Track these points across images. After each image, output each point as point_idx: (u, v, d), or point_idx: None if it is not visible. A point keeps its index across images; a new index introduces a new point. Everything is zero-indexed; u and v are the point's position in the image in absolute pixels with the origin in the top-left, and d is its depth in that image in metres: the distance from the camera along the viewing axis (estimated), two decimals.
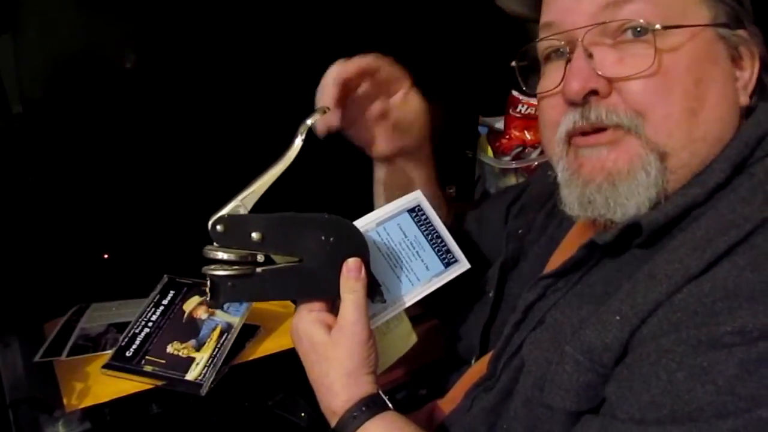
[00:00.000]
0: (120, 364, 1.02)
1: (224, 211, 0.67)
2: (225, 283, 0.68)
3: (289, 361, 0.74)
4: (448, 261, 0.81)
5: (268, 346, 1.07)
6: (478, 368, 0.79)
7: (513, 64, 0.73)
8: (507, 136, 1.47)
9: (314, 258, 0.70)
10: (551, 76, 0.68)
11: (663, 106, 0.63)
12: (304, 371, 0.73)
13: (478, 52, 1.32)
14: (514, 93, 1.45)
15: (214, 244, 0.67)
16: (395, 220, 0.79)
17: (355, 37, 1.20)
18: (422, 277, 0.78)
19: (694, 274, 0.58)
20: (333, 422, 0.68)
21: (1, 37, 0.98)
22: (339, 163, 0.84)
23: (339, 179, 0.87)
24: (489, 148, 1.49)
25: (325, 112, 0.74)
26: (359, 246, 0.71)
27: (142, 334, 1.07)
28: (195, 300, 1.13)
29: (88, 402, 0.97)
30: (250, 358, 1.05)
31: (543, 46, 0.70)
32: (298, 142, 0.72)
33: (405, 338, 0.82)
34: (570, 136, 0.67)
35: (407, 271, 0.78)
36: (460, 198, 1.42)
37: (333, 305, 0.72)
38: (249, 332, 1.07)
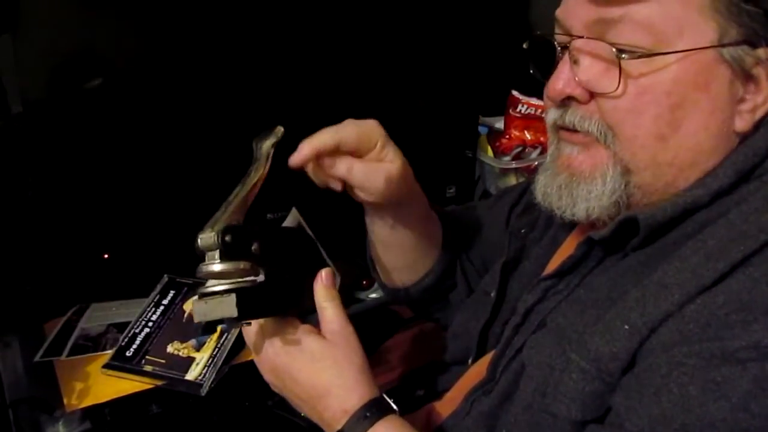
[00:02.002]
0: (120, 363, 1.02)
1: (223, 221, 0.64)
2: (250, 295, 0.64)
3: None
4: None
5: None
6: (476, 370, 0.79)
7: (525, 45, 0.73)
8: (507, 136, 1.47)
9: (290, 271, 0.69)
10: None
11: (631, 127, 0.63)
12: None
13: (479, 51, 1.32)
14: (514, 93, 1.46)
15: (216, 257, 0.63)
16: None
17: (356, 37, 1.20)
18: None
19: (707, 284, 0.57)
20: (341, 422, 0.66)
21: (1, 37, 0.98)
22: None
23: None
24: (489, 148, 1.49)
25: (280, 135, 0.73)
26: (320, 260, 0.72)
27: (142, 333, 1.07)
28: None
29: (88, 402, 0.97)
30: (250, 358, 1.05)
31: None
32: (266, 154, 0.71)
33: None
34: (557, 128, 0.69)
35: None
36: (460, 198, 1.42)
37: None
38: None
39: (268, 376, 0.72)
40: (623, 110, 0.63)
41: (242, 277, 0.64)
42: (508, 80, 1.42)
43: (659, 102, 0.62)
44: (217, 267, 0.63)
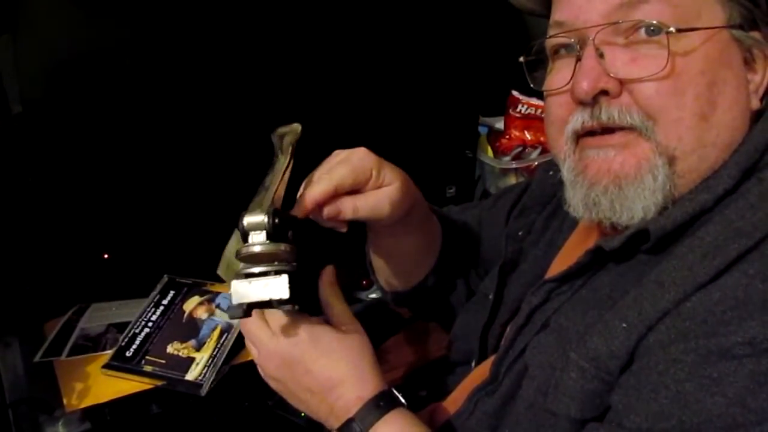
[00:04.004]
0: (120, 364, 1.02)
1: (269, 204, 0.63)
2: (295, 279, 0.63)
3: None
4: None
5: None
6: (480, 371, 0.79)
7: (521, 59, 0.72)
8: (507, 136, 1.47)
9: (308, 263, 0.69)
10: (560, 73, 0.67)
11: (675, 109, 0.61)
12: None
13: (478, 51, 1.32)
14: (514, 93, 1.45)
15: (263, 238, 0.62)
16: None
17: (357, 38, 1.20)
18: None
19: (703, 282, 0.57)
20: (353, 410, 0.66)
21: (1, 37, 0.98)
22: None
23: None
24: (489, 148, 1.49)
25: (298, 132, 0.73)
26: (325, 256, 0.73)
27: (142, 334, 1.07)
28: (195, 300, 1.13)
29: (88, 402, 0.97)
30: (250, 358, 1.05)
31: (552, 41, 0.69)
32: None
33: None
34: (578, 136, 0.66)
35: None
36: (460, 198, 1.42)
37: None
38: None
39: (274, 371, 0.70)
40: (665, 92, 0.61)
41: (282, 262, 0.63)
42: (508, 80, 1.42)
43: (697, 81, 0.61)
44: (264, 248, 0.61)
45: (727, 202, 0.62)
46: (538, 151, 1.46)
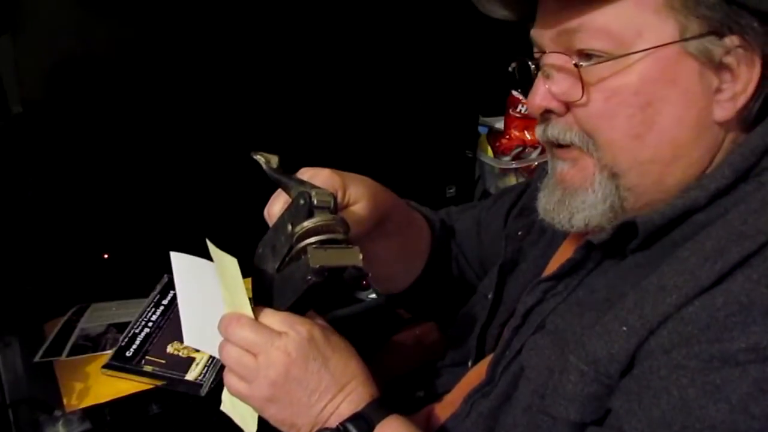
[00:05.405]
0: (120, 364, 1.02)
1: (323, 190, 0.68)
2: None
3: None
4: None
5: None
6: (476, 372, 0.79)
7: (510, 68, 0.74)
8: (507, 136, 1.47)
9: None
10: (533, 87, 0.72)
11: (606, 131, 0.64)
12: None
13: (478, 52, 1.32)
14: (514, 93, 1.46)
15: (328, 213, 0.66)
16: None
17: (357, 38, 1.20)
18: None
19: (705, 286, 0.57)
20: (360, 405, 0.66)
21: (1, 37, 0.98)
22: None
23: None
24: (489, 148, 1.49)
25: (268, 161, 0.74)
26: None
27: (142, 334, 1.07)
28: None
29: (88, 402, 0.97)
30: None
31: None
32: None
33: None
34: (549, 144, 0.70)
35: None
36: (460, 198, 1.42)
37: None
38: None
39: (280, 375, 0.65)
40: (596, 116, 0.64)
41: (341, 236, 0.65)
42: (508, 80, 1.42)
43: (629, 102, 0.63)
44: (335, 219, 0.65)
45: (725, 204, 0.62)
46: (538, 151, 1.47)
